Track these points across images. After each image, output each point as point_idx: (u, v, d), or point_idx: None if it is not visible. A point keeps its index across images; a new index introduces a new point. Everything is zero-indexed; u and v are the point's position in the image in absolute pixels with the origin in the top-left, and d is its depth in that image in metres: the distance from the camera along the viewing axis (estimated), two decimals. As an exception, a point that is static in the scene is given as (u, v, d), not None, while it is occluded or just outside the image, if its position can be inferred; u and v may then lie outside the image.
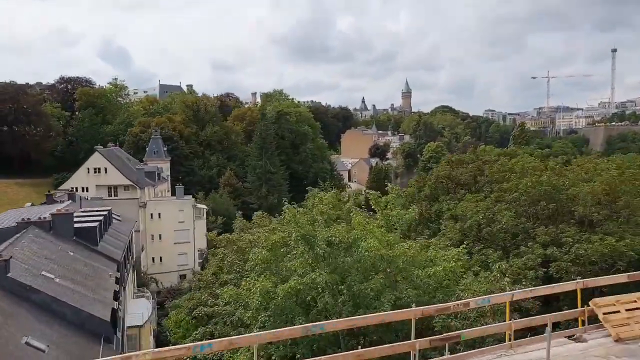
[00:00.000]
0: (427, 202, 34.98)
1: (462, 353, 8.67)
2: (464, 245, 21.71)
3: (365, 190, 24.35)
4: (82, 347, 19.05)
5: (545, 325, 11.47)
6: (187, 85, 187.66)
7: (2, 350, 15.38)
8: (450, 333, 9.42)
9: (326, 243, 18.38)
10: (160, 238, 60.38)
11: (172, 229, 60.29)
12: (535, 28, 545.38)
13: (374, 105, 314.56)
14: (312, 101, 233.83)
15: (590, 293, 14.89)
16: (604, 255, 21.60)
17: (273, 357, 16.49)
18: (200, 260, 58.06)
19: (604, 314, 10.53)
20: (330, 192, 28.37)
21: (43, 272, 22.86)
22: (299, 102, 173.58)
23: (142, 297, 42.81)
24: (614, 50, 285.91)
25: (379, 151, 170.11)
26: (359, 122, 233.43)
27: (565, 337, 10.63)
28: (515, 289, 17.63)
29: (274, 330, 8.32)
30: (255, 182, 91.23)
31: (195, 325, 19.67)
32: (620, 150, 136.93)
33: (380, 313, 11.50)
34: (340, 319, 11.42)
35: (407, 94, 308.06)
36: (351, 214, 22.04)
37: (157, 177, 69.49)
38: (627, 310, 10.68)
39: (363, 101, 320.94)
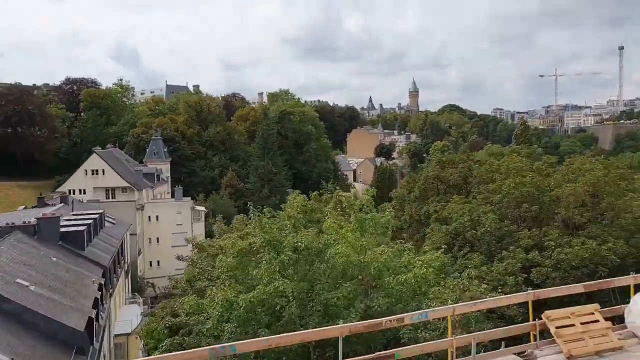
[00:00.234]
0: (417, 203, 34.44)
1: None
2: (442, 250, 21.03)
3: (338, 193, 23.83)
4: (50, 359, 18.72)
5: (500, 339, 10.88)
6: (193, 86, 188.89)
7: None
8: (382, 352, 8.89)
9: (292, 249, 17.85)
10: (157, 241, 60.20)
11: (170, 231, 59.98)
12: (544, 25, 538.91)
13: (381, 105, 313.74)
14: (318, 100, 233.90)
15: (576, 302, 14.22)
16: (584, 260, 20.88)
17: None
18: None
19: (557, 327, 9.96)
20: (314, 194, 27.88)
21: (18, 280, 22.62)
22: (305, 101, 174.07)
23: (134, 303, 42.70)
24: (621, 48, 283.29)
25: (384, 150, 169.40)
26: (366, 122, 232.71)
27: (515, 353, 10.05)
28: (495, 296, 16.95)
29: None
30: (257, 182, 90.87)
31: (168, 335, 19.30)
32: (629, 148, 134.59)
33: (303, 331, 11.03)
34: (253, 339, 10.94)
35: (414, 93, 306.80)
36: (326, 218, 21.48)
37: (156, 179, 69.60)
38: (582, 323, 10.10)
39: (370, 100, 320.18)
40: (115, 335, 34.33)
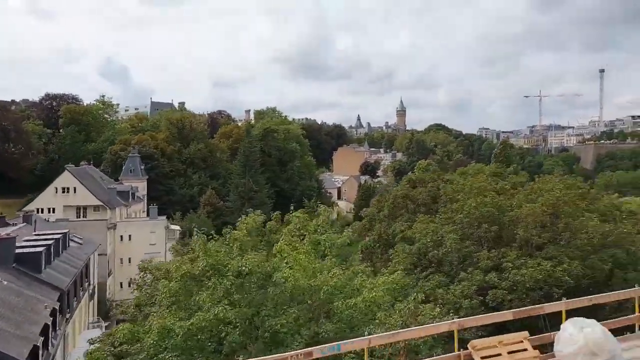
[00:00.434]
0: (385, 222, 33.90)
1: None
2: (401, 271, 20.41)
3: (292, 213, 22.85)
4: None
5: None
6: (179, 103, 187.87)
7: None
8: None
9: (235, 274, 17.12)
10: (129, 262, 58.49)
11: (143, 251, 58.42)
12: (530, 48, 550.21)
13: (368, 123, 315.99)
14: (306, 119, 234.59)
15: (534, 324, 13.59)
16: (539, 282, 20.39)
17: None
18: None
19: (482, 358, 9.41)
20: (275, 214, 27.19)
21: (-44, 305, 21.51)
22: (293, 119, 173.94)
23: (97, 327, 41.24)
24: (602, 71, 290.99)
25: (369, 168, 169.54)
26: (353, 140, 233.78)
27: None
28: (451, 319, 16.33)
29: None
30: (237, 201, 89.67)
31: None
32: (609, 167, 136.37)
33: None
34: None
35: (401, 112, 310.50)
36: (280, 240, 20.76)
37: (131, 197, 68.28)
38: (509, 352, 9.57)
39: (358, 119, 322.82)
40: (72, 362, 32.87)
